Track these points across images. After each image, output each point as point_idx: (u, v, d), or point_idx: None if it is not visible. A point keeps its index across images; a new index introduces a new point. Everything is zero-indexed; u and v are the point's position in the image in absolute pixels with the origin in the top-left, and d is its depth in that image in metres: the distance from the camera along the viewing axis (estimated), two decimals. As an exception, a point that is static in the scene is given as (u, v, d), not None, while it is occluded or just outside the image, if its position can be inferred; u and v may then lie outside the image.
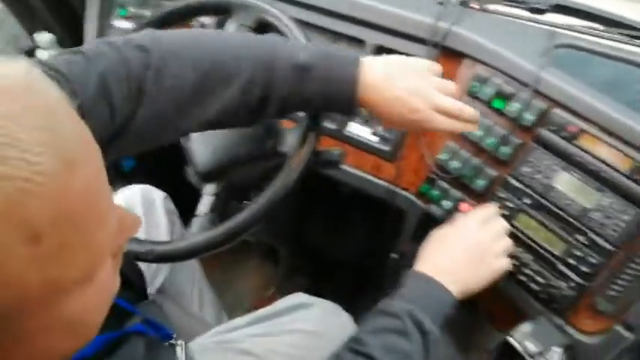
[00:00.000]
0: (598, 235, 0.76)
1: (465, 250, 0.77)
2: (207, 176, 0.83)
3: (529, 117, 0.82)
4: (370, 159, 1.02)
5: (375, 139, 1.01)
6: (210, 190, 0.84)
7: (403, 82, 0.66)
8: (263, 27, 0.83)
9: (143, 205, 1.04)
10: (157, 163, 1.31)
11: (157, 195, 1.08)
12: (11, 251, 0.28)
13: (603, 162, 0.76)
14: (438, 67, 0.71)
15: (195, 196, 0.84)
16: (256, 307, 1.52)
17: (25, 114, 0.29)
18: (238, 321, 0.95)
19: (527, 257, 0.82)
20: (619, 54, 0.85)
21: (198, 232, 0.78)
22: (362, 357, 0.64)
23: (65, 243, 0.30)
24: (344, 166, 1.02)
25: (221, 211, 0.84)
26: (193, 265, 1.20)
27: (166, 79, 0.62)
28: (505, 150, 0.84)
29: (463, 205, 0.90)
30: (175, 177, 0.97)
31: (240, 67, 0.64)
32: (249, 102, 0.65)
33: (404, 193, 0.98)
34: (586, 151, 0.78)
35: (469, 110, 0.70)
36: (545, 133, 0.81)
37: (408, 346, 0.65)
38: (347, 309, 0.98)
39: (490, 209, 0.82)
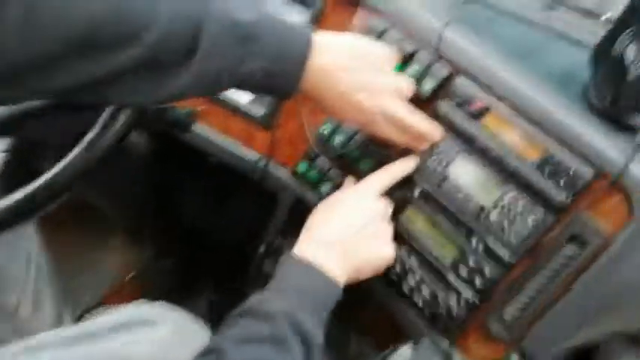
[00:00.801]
0: (496, 240, 0.61)
1: (361, 221, 0.61)
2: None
3: (428, 85, 0.65)
4: (239, 124, 0.81)
5: (246, 99, 0.81)
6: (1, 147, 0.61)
7: (352, 75, 0.58)
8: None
9: None
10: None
11: None
12: None
13: (509, 148, 0.61)
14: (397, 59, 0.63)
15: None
16: (105, 302, 1.31)
17: None
18: (51, 336, 0.68)
19: (411, 261, 0.67)
20: (537, 19, 0.70)
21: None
22: None
23: None
24: (202, 130, 0.82)
25: (14, 174, 0.61)
26: (28, 244, 0.95)
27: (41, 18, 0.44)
28: (397, 125, 0.67)
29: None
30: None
31: (151, 19, 0.46)
32: (155, 70, 0.48)
33: (276, 172, 0.79)
34: (490, 134, 0.62)
35: (424, 125, 0.62)
36: (445, 106, 0.65)
37: None
38: (218, 303, 0.78)
39: (384, 182, 0.66)
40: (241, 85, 0.54)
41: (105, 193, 1.07)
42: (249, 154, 0.81)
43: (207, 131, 0.83)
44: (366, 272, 0.61)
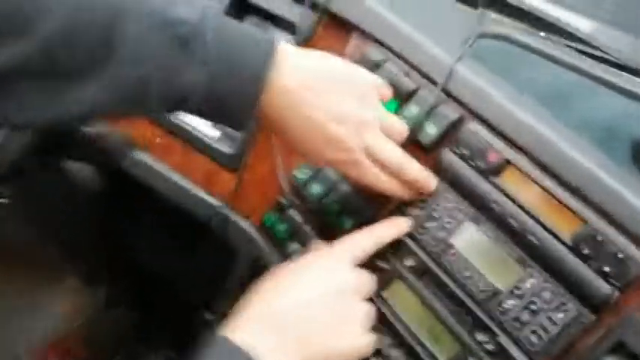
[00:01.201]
0: (512, 339, 0.46)
1: (326, 298, 0.46)
2: None
3: (431, 130, 0.52)
4: (202, 163, 0.67)
5: (214, 133, 0.67)
6: None
7: (329, 101, 0.45)
8: None
9: None
10: None
11: None
12: None
13: (534, 218, 0.47)
14: (387, 91, 0.51)
15: None
16: (48, 349, 1.13)
17: None
18: None
19: (394, 356, 0.51)
20: (565, 58, 0.57)
21: None
22: None
23: None
24: (153, 166, 0.68)
25: None
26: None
27: None
28: (389, 177, 0.53)
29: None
30: None
31: (47, 3, 0.34)
32: (51, 76, 0.35)
33: (238, 222, 0.64)
34: (509, 197, 0.48)
35: (415, 171, 0.50)
36: (451, 158, 0.51)
37: None
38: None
39: (365, 247, 0.50)
40: (180, 105, 0.40)
41: (51, 233, 0.92)
42: (209, 198, 0.67)
43: (159, 167, 0.69)
44: None
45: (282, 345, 0.42)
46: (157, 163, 0.70)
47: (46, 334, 1.24)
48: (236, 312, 0.46)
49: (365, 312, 0.47)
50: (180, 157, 0.69)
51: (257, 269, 0.61)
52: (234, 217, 0.64)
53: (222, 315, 0.69)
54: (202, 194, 0.67)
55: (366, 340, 0.47)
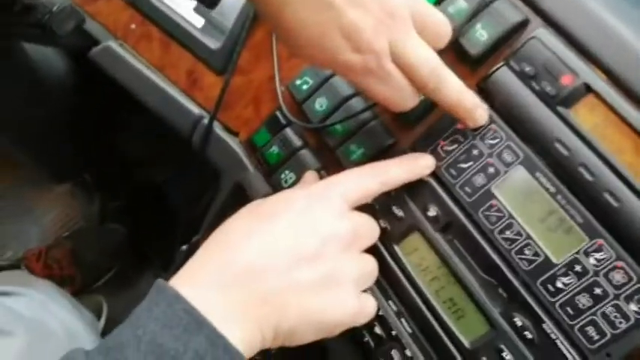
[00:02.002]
0: (561, 329, 0.34)
1: (307, 248, 0.34)
2: None
3: (482, 35, 0.38)
4: (183, 60, 0.54)
5: (198, 21, 0.53)
6: None
7: None
8: None
9: None
10: None
11: None
12: None
13: (614, 170, 0.33)
14: None
15: None
16: (29, 264, 1.07)
17: None
18: None
19: (400, 327, 0.39)
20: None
21: None
22: None
23: None
24: (128, 60, 0.55)
25: None
26: None
27: None
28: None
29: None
30: None
31: None
32: None
33: (222, 138, 0.51)
34: (582, 138, 0.35)
35: (457, 91, 0.36)
36: (506, 77, 0.37)
37: None
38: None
39: (367, 187, 0.38)
40: None
41: (21, 128, 0.80)
42: (190, 105, 0.54)
43: (134, 63, 0.55)
44: (308, 335, 0.35)
45: (235, 303, 0.31)
46: (132, 58, 0.57)
47: (35, 242, 1.18)
48: (196, 255, 0.35)
49: (357, 268, 0.36)
50: (159, 52, 0.55)
51: (239, 197, 0.49)
52: (218, 131, 0.52)
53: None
54: (183, 100, 0.54)
55: (356, 304, 0.35)
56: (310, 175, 0.43)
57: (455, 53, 0.40)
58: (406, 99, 0.36)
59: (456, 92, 0.36)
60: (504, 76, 0.37)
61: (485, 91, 0.38)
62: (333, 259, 0.34)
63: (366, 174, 0.37)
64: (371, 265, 0.37)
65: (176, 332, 0.29)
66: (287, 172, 0.46)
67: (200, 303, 0.30)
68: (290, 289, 0.33)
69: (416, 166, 0.38)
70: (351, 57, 0.34)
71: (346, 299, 0.35)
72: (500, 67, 0.38)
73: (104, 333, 0.97)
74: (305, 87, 0.45)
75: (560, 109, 0.36)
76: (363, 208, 0.38)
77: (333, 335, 0.36)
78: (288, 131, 0.47)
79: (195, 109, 0.53)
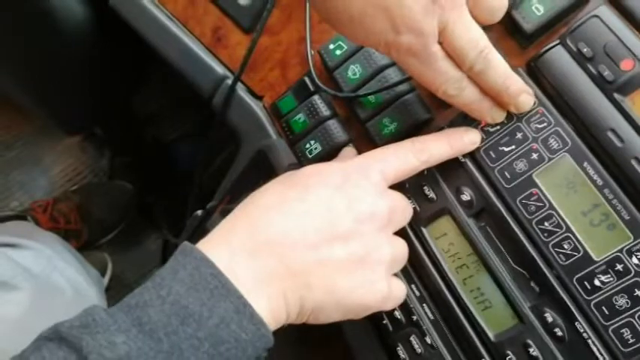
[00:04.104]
0: (595, 330, 0.32)
1: (342, 225, 0.33)
2: None
3: (537, 10, 0.35)
4: (209, 14, 0.51)
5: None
6: None
7: None
8: None
9: None
10: None
11: None
12: None
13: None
14: None
15: None
16: (35, 215, 1.05)
17: None
18: None
19: (422, 313, 0.38)
20: None
21: None
22: None
23: None
24: (148, 8, 0.52)
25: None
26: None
27: None
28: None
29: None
30: None
31: None
32: None
33: (245, 100, 0.49)
34: None
35: (504, 75, 0.33)
36: (560, 57, 0.34)
37: None
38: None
39: (406, 164, 0.36)
40: None
41: (36, 77, 0.78)
42: (213, 64, 0.51)
43: (156, 13, 0.52)
44: (334, 314, 0.33)
45: (266, 274, 0.30)
46: (155, 9, 0.54)
47: (42, 193, 1.17)
48: (224, 222, 0.33)
49: (390, 250, 0.34)
50: (184, 4, 0.52)
51: (261, 164, 0.47)
52: (242, 93, 0.49)
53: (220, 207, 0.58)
54: (206, 57, 0.51)
55: (386, 288, 0.34)
56: (349, 151, 0.41)
57: (505, 27, 0.37)
58: (448, 84, 0.33)
59: (502, 76, 0.33)
60: (558, 55, 0.35)
61: (535, 70, 0.35)
62: (367, 239, 0.32)
63: (407, 149, 0.35)
64: (403, 248, 0.35)
65: (202, 296, 0.28)
66: (312, 142, 0.44)
67: (227, 268, 0.29)
68: (319, 265, 0.31)
69: (461, 141, 0.36)
70: (395, 38, 0.31)
71: (376, 282, 0.33)
72: (555, 45, 0.35)
73: (108, 290, 0.97)
74: (338, 52, 0.43)
75: (616, 95, 0.33)
76: (392, 185, 0.36)
77: (359, 318, 0.34)
78: (317, 99, 0.44)
79: (218, 69, 0.51)
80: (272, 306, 0.30)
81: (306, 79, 0.45)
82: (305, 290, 0.31)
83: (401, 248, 0.35)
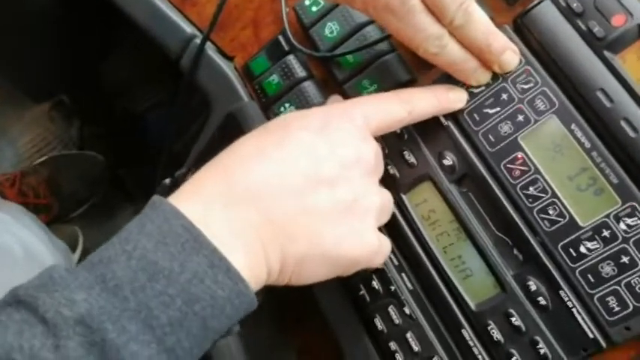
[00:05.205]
0: (580, 298, 0.31)
1: (328, 170, 0.30)
2: None
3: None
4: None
5: None
6: None
7: None
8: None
9: None
10: None
11: None
12: None
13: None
14: None
15: None
16: (3, 189, 1.01)
17: None
18: None
19: (400, 282, 0.36)
20: None
21: None
22: None
23: None
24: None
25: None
26: None
27: None
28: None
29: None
30: None
31: None
32: None
33: (215, 62, 0.46)
34: (630, 89, 0.31)
35: (485, 32, 0.32)
36: (547, 13, 0.32)
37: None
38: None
39: (392, 113, 0.33)
40: None
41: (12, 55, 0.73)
42: (182, 23, 0.48)
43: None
44: (320, 269, 0.31)
45: (244, 227, 0.28)
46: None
47: (9, 165, 1.12)
48: (197, 174, 0.30)
49: (379, 197, 0.32)
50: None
51: (231, 129, 0.44)
52: (211, 53, 0.46)
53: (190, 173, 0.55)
54: (173, 15, 0.48)
55: (375, 240, 0.32)
56: (336, 98, 0.38)
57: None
58: (428, 41, 0.31)
59: (484, 31, 0.32)
60: (547, 11, 0.33)
61: (522, 27, 0.33)
62: (355, 184, 0.30)
63: (392, 98, 0.33)
64: (389, 198, 0.33)
65: (172, 250, 0.25)
66: (287, 105, 0.41)
67: (200, 220, 0.26)
68: (303, 214, 0.29)
69: (446, 97, 0.34)
70: None
71: (365, 232, 0.31)
72: (543, 0, 0.33)
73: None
74: (314, 9, 0.40)
75: (607, 53, 0.31)
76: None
77: (346, 275, 0.32)
78: (291, 59, 0.42)
79: (186, 27, 0.47)
80: (250, 261, 0.27)
81: (280, 38, 0.42)
82: (287, 242, 0.29)
83: (388, 197, 0.33)
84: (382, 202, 0.32)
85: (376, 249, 0.32)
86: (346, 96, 0.39)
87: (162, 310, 0.24)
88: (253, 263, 0.27)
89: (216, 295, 0.25)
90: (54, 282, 0.24)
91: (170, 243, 0.25)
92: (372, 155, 0.31)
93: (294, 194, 0.29)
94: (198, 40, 0.46)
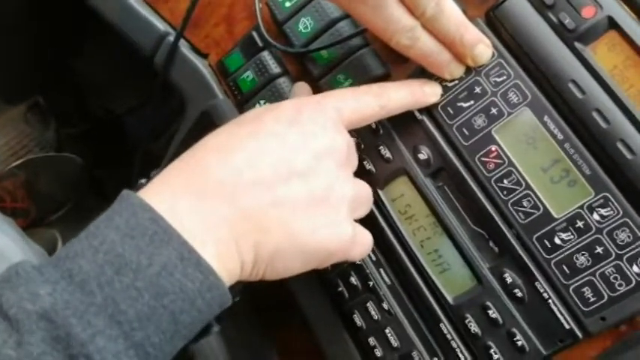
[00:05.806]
0: (555, 289, 0.31)
1: (301, 163, 0.30)
2: None
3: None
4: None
5: None
6: None
7: None
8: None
9: None
10: None
11: None
12: None
13: (633, 119, 0.30)
14: None
15: None
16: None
17: None
18: None
19: (378, 277, 0.36)
20: None
21: None
22: None
23: None
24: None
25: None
26: None
27: None
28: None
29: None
30: None
31: None
32: None
33: (189, 59, 0.45)
34: (601, 80, 0.31)
35: (457, 24, 0.32)
36: (518, 5, 0.32)
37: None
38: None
39: (366, 106, 0.33)
40: None
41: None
42: (154, 20, 0.47)
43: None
44: (295, 263, 0.30)
45: (215, 219, 0.27)
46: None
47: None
48: (167, 168, 0.30)
49: (352, 188, 0.31)
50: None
51: (206, 127, 0.44)
52: (185, 50, 0.46)
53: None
54: (145, 13, 0.47)
55: (350, 231, 0.31)
56: (301, 87, 0.38)
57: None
58: (401, 33, 0.31)
59: (456, 24, 0.32)
60: (518, 3, 0.33)
61: (494, 20, 0.33)
62: (327, 175, 0.30)
63: (366, 91, 0.33)
64: (366, 190, 0.33)
65: (140, 243, 0.24)
66: (262, 102, 0.41)
67: (169, 213, 0.25)
68: (276, 206, 0.28)
69: (421, 91, 0.34)
70: None
71: (340, 223, 0.30)
72: (514, -7, 0.33)
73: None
74: (288, 4, 0.40)
75: (577, 45, 0.31)
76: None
77: (322, 267, 0.32)
78: (266, 55, 0.41)
79: (159, 25, 0.47)
80: (222, 253, 0.26)
81: (254, 34, 0.42)
82: (260, 235, 0.28)
83: (364, 188, 0.33)
84: (356, 192, 0.32)
85: (351, 240, 0.31)
86: (321, 91, 0.38)
87: (130, 304, 0.23)
88: (225, 256, 0.27)
89: (186, 288, 0.24)
90: (19, 277, 0.23)
91: (138, 236, 0.25)
92: (345, 147, 0.31)
93: (266, 186, 0.28)
94: (171, 38, 0.45)
